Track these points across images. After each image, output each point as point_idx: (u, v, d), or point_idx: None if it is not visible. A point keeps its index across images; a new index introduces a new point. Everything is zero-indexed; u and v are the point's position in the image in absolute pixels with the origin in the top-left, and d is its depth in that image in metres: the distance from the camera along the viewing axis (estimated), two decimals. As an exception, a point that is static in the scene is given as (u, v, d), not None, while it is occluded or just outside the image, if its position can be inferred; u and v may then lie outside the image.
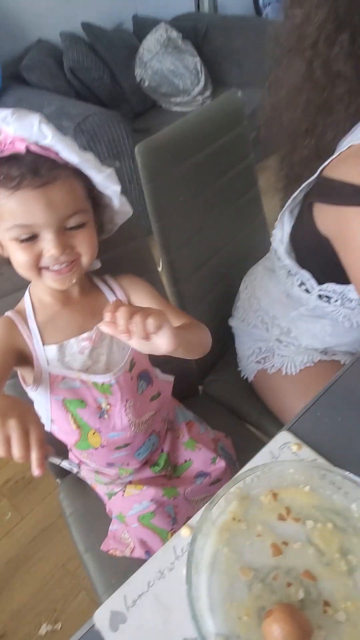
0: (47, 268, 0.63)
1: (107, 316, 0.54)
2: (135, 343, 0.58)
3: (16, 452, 0.47)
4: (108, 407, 0.74)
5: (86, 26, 2.48)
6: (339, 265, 0.78)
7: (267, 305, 0.99)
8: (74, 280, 0.66)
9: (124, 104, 2.55)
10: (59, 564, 1.34)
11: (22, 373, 0.73)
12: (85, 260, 0.65)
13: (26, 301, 0.71)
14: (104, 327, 0.53)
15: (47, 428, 0.77)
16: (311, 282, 0.88)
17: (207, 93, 2.70)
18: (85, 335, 0.71)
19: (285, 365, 0.96)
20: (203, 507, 0.54)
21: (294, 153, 0.84)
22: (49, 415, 0.74)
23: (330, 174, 0.74)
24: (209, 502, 0.54)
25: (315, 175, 0.77)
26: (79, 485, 0.97)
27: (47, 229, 0.59)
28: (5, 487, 1.52)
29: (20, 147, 0.56)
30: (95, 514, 0.92)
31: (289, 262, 0.90)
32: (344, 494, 0.56)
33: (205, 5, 3.36)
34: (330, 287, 0.86)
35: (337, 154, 0.73)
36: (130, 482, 0.84)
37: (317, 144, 0.78)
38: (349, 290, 0.84)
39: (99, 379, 0.72)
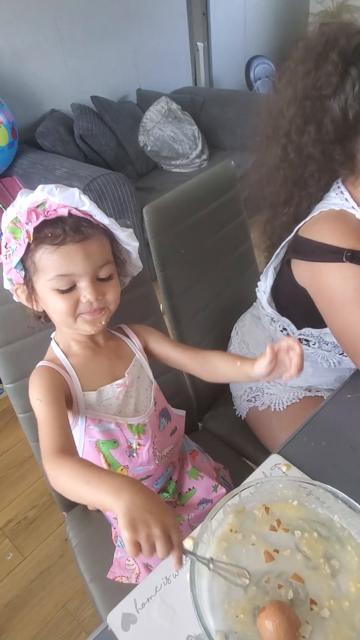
0: (81, 313, 0.71)
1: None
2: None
3: (161, 555, 0.50)
4: (138, 446, 0.79)
5: (95, 99, 2.75)
6: (315, 312, 0.89)
7: (255, 349, 1.09)
8: (103, 322, 0.74)
9: (128, 166, 2.78)
10: (59, 605, 1.34)
11: None
12: (112, 307, 0.74)
13: (56, 351, 0.77)
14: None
15: None
16: (291, 327, 0.99)
17: (204, 157, 2.95)
18: (120, 381, 0.78)
19: (274, 402, 1.05)
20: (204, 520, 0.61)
21: (275, 219, 0.97)
22: (81, 454, 0.79)
23: (304, 234, 0.86)
24: (208, 515, 0.61)
25: (292, 235, 0.90)
26: (85, 517, 1.02)
27: (84, 278, 0.69)
28: (7, 527, 1.55)
29: (64, 212, 0.67)
30: (100, 544, 0.97)
31: (270, 310, 1.01)
32: (327, 508, 0.63)
33: (202, 81, 3.72)
34: (308, 332, 0.97)
35: (309, 217, 0.86)
36: None
37: (295, 211, 0.91)
38: (325, 333, 0.94)
39: (134, 420, 0.79)
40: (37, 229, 0.67)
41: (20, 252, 0.68)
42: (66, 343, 0.78)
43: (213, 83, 3.90)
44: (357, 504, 0.59)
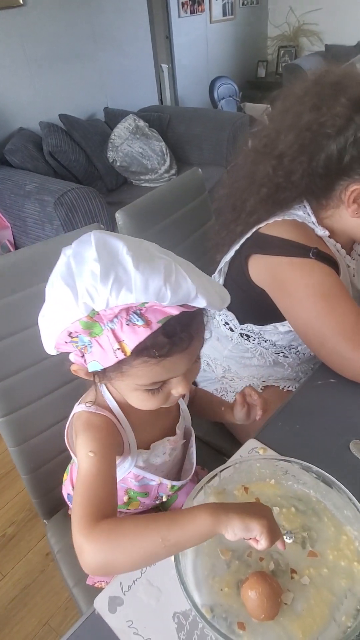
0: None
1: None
2: None
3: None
4: (167, 498, 0.77)
5: (63, 117, 2.79)
6: (259, 309, 0.94)
7: (206, 349, 1.13)
8: None
9: (98, 181, 2.82)
10: (42, 622, 1.31)
11: None
12: (194, 379, 0.65)
13: (109, 401, 0.66)
14: None
15: None
16: (234, 322, 1.04)
17: (173, 171, 3.02)
18: (172, 438, 0.73)
19: None
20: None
21: (236, 223, 0.99)
22: None
23: (267, 232, 0.90)
24: (189, 496, 0.62)
25: (251, 233, 0.94)
26: (67, 522, 1.01)
27: (180, 375, 0.57)
28: (-15, 546, 1.50)
29: (173, 313, 0.50)
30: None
31: None
32: (303, 484, 0.66)
33: (168, 100, 3.83)
34: (249, 327, 1.02)
35: (272, 220, 0.91)
36: None
37: (256, 221, 0.94)
38: (265, 331, 1.00)
39: (179, 483, 0.75)
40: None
41: (105, 362, 0.52)
42: (121, 397, 0.65)
43: (178, 102, 4.02)
44: (330, 477, 0.62)
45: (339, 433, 0.76)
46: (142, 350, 0.51)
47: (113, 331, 0.50)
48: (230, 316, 1.05)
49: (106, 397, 0.66)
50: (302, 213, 0.92)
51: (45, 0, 2.73)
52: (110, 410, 0.65)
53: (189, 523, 0.49)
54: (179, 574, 0.55)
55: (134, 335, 0.49)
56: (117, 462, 0.67)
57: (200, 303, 0.51)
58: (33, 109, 2.83)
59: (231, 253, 1.00)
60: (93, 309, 0.50)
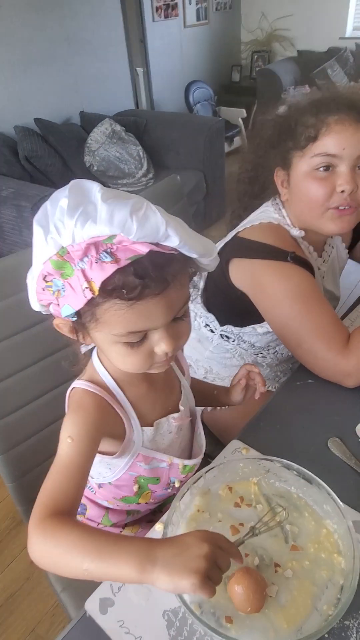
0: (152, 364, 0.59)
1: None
2: None
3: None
4: (179, 484, 0.75)
5: (38, 121, 2.78)
6: (239, 311, 0.98)
7: (187, 351, 1.16)
8: (171, 363, 0.66)
9: (75, 185, 2.81)
10: (28, 629, 1.31)
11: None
12: (185, 343, 0.61)
13: (105, 377, 0.65)
14: None
15: (99, 481, 0.75)
16: (214, 323, 1.07)
17: (150, 175, 3.04)
18: (176, 415, 0.71)
19: None
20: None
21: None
22: (110, 480, 0.72)
23: (246, 236, 0.94)
24: (176, 497, 0.64)
25: (230, 237, 0.98)
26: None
27: (160, 328, 0.55)
28: (-32, 556, 1.49)
29: (142, 251, 0.49)
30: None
31: (199, 305, 1.08)
32: (285, 481, 0.69)
33: (144, 104, 3.85)
34: (229, 329, 1.05)
35: (249, 224, 0.95)
36: (126, 525, 0.85)
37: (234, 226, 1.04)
38: (244, 333, 1.04)
39: (191, 462, 0.74)
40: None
41: (76, 304, 0.51)
42: (117, 370, 0.64)
43: (154, 106, 4.05)
44: (310, 474, 0.65)
45: (317, 431, 0.80)
46: (112, 291, 0.49)
47: (83, 271, 0.49)
48: (211, 318, 1.07)
49: (101, 373, 0.65)
50: (277, 215, 0.97)
51: (17, 3, 2.72)
52: (107, 387, 0.64)
53: (112, 566, 0.47)
54: (167, 573, 0.56)
55: (102, 272, 0.48)
56: (122, 448, 0.66)
57: (173, 242, 0.50)
58: (7, 113, 2.81)
59: None
60: (63, 247, 0.50)
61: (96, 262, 0.49)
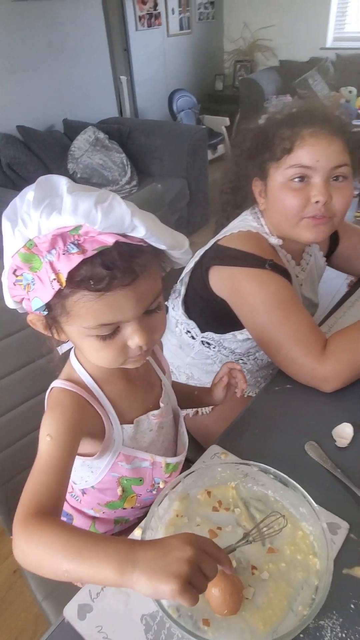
0: (127, 359, 0.60)
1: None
2: None
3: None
4: (164, 484, 0.74)
5: (21, 128, 2.78)
6: (219, 318, 1.00)
7: (169, 357, 1.16)
8: (148, 358, 0.67)
9: (58, 192, 2.81)
10: (11, 638, 1.29)
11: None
12: (159, 337, 0.62)
13: (83, 375, 0.65)
14: None
15: (82, 487, 0.74)
16: (195, 330, 1.08)
17: (134, 183, 3.06)
18: (156, 412, 0.71)
19: (200, 407, 1.13)
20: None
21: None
22: (93, 483, 0.72)
23: (225, 244, 0.96)
24: (154, 502, 0.65)
25: (210, 245, 1.00)
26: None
27: (132, 321, 0.55)
28: None
29: (108, 242, 0.49)
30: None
31: (180, 312, 1.09)
32: (262, 485, 0.70)
33: (127, 112, 3.87)
34: (210, 335, 1.07)
35: (229, 232, 0.97)
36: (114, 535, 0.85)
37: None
38: (224, 339, 1.05)
39: (173, 460, 0.73)
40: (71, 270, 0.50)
41: (45, 296, 0.52)
42: (94, 368, 0.65)
43: (138, 114, 4.07)
44: (286, 477, 0.66)
45: (295, 436, 0.81)
46: (80, 282, 0.50)
47: (51, 263, 0.50)
48: (192, 324, 1.09)
49: (79, 371, 0.65)
50: (256, 223, 0.99)
51: None
52: (85, 386, 0.64)
53: (91, 568, 0.46)
54: (146, 578, 0.57)
55: (68, 263, 0.49)
56: (102, 448, 0.65)
57: (139, 232, 0.51)
58: (-10, 119, 2.80)
59: (191, 264, 1.04)
60: (30, 239, 0.51)
61: (63, 254, 0.49)
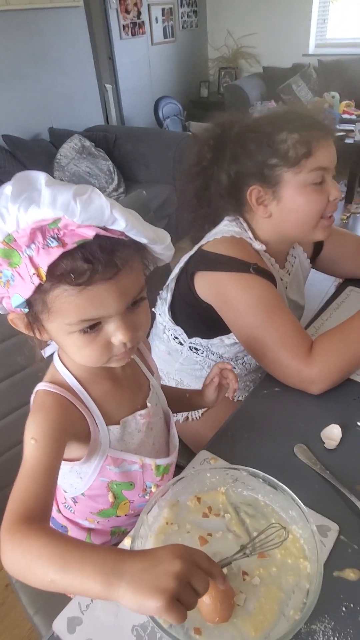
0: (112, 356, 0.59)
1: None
2: None
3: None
4: (156, 488, 0.73)
5: (6, 137, 2.78)
6: (206, 323, 1.00)
7: (158, 364, 1.16)
8: (132, 356, 0.64)
9: (45, 201, 2.81)
10: (3, 656, 1.27)
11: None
12: (144, 334, 0.61)
13: (67, 377, 0.64)
14: None
15: (73, 495, 0.73)
16: (183, 336, 1.08)
17: (121, 190, 3.06)
18: (143, 412, 0.70)
19: (190, 412, 1.13)
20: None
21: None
22: (83, 490, 0.70)
23: (210, 249, 0.96)
24: (143, 510, 0.64)
25: (194, 250, 0.99)
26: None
27: (115, 317, 0.55)
28: None
29: (88, 235, 0.49)
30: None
31: (167, 319, 1.09)
32: (252, 489, 0.70)
33: (113, 119, 3.88)
34: (197, 341, 1.07)
35: (212, 238, 0.97)
36: None
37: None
38: (212, 344, 1.05)
39: (164, 461, 0.72)
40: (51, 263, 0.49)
41: (25, 292, 0.51)
42: (78, 368, 0.64)
43: (124, 121, 4.09)
44: (275, 480, 0.66)
45: (284, 438, 0.81)
46: (61, 277, 0.49)
47: (31, 258, 0.49)
48: (179, 330, 1.08)
49: (63, 372, 0.64)
50: (240, 230, 0.99)
51: (-17, 21, 2.72)
52: (69, 387, 0.63)
53: (77, 579, 0.44)
54: (135, 588, 0.56)
55: (48, 257, 0.48)
56: (89, 450, 0.64)
57: (120, 225, 0.51)
58: (-25, 129, 2.79)
59: (176, 270, 1.04)
60: (8, 234, 0.50)
61: (43, 248, 0.49)
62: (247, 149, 0.94)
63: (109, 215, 0.50)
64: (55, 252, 0.48)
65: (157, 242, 0.57)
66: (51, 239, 0.49)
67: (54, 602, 0.88)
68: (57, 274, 0.49)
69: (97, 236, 0.49)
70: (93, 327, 0.55)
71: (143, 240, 0.55)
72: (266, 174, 0.93)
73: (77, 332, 0.54)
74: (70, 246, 0.49)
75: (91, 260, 0.50)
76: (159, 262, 0.64)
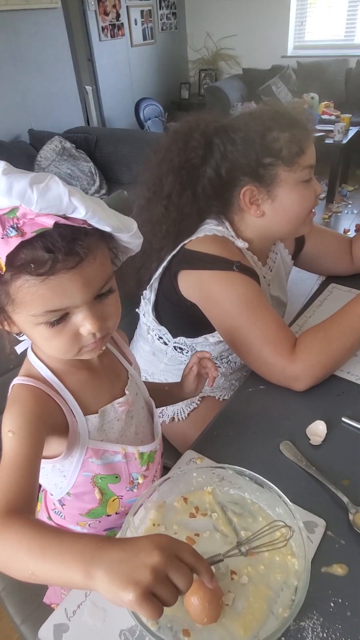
0: (81, 347, 0.58)
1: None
2: None
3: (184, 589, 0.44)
4: (143, 479, 0.72)
5: (-15, 139, 2.74)
6: (190, 322, 1.00)
7: (143, 365, 1.16)
8: (104, 347, 0.63)
9: (26, 203, 2.78)
10: (-10, 667, 1.24)
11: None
12: (114, 324, 0.60)
13: (41, 369, 0.63)
14: None
15: (59, 496, 0.71)
16: (167, 336, 1.08)
17: (103, 191, 3.04)
18: (121, 400, 0.69)
19: (176, 413, 1.12)
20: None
21: (150, 261, 1.04)
22: (68, 489, 0.69)
23: (192, 248, 0.95)
24: (129, 512, 0.63)
25: (177, 249, 0.98)
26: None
27: (81, 307, 0.54)
28: None
29: (48, 224, 0.48)
30: (28, 583, 0.93)
31: (151, 318, 1.08)
32: (238, 488, 0.69)
33: (94, 121, 3.86)
34: (182, 340, 1.07)
35: (195, 237, 0.96)
36: None
37: (164, 255, 1.01)
38: (197, 343, 1.05)
39: (147, 448, 0.70)
40: (10, 253, 0.49)
41: None
42: (53, 360, 0.63)
43: (105, 123, 4.07)
44: (261, 478, 0.66)
45: (270, 436, 0.81)
46: (21, 267, 0.49)
47: None
48: (164, 330, 1.08)
49: (37, 365, 0.63)
50: (222, 228, 0.99)
51: None
52: (44, 380, 0.62)
53: (57, 569, 0.43)
54: (122, 591, 0.55)
55: (6, 247, 0.48)
56: (68, 443, 0.63)
57: (80, 213, 0.50)
58: None
59: (160, 270, 1.04)
60: None
61: (2, 238, 0.48)
62: (237, 148, 0.93)
63: (68, 203, 0.49)
64: (14, 241, 0.48)
65: (123, 230, 0.56)
66: (10, 228, 0.48)
67: (41, 610, 0.87)
68: (17, 264, 0.49)
69: (57, 225, 0.49)
70: (60, 319, 0.54)
71: (106, 229, 0.54)
72: (261, 173, 0.93)
73: (44, 324, 0.54)
74: (29, 235, 0.48)
75: (52, 250, 0.49)
76: (129, 252, 0.63)
